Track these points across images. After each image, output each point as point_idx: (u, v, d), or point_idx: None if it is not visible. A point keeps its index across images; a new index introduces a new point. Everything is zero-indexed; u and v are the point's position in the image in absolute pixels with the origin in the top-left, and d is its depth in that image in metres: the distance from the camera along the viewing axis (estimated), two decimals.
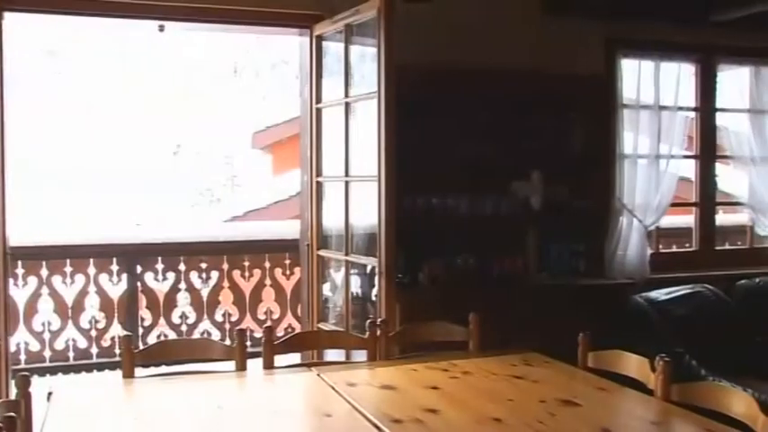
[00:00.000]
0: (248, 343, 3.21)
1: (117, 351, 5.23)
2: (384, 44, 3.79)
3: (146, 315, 5.56)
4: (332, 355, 4.02)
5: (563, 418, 2.44)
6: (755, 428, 2.33)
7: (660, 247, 5.59)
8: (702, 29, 5.31)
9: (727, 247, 5.99)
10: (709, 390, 2.68)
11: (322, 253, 4.48)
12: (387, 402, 2.70)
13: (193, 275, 5.69)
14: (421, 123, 4.46)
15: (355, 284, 4.33)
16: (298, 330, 5.27)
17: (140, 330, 5.50)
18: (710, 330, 4.76)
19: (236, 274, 5.83)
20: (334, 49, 4.39)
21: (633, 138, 5.18)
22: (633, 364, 2.90)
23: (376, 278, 3.95)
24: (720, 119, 5.63)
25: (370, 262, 4.01)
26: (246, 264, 5.85)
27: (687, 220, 5.76)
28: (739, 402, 2.45)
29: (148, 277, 5.57)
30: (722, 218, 5.84)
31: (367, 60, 3.99)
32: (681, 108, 5.40)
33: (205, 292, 5.72)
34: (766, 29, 5.43)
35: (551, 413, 2.48)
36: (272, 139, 12.64)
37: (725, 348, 4.73)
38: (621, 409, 2.74)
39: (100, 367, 5.36)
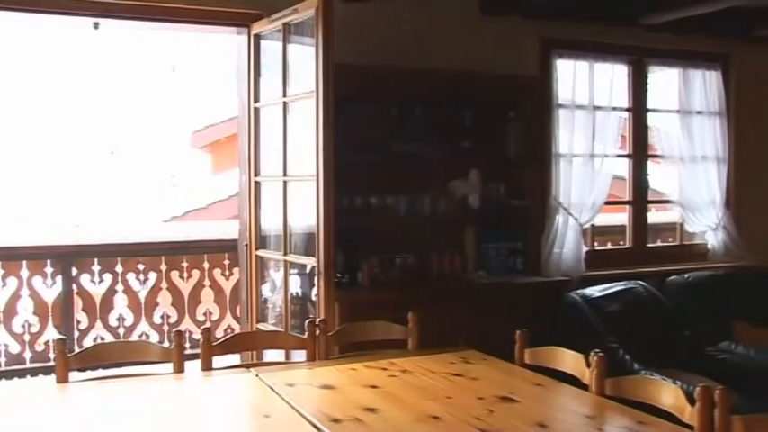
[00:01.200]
0: (187, 344, 3.18)
1: (51, 355, 5.11)
2: (322, 43, 3.79)
3: (82, 318, 5.43)
4: (272, 355, 4.00)
5: (500, 415, 2.47)
6: (683, 419, 2.40)
7: (595, 244, 5.71)
8: (634, 31, 5.44)
9: (659, 244, 6.13)
10: (640, 383, 2.74)
11: (260, 253, 4.46)
12: (326, 402, 2.71)
13: (131, 277, 5.59)
14: (359, 123, 4.46)
15: (295, 284, 4.32)
16: (237, 331, 5.23)
17: (76, 334, 5.38)
18: (643, 325, 4.88)
19: (175, 275, 5.74)
20: (272, 48, 4.36)
21: (569, 137, 5.27)
22: (569, 359, 2.97)
23: (315, 278, 3.94)
24: (652, 119, 5.77)
25: (309, 261, 4.00)
26: (185, 264, 5.77)
27: (621, 217, 5.89)
28: (668, 394, 2.53)
29: (84, 279, 5.45)
30: (654, 215, 5.98)
31: (305, 60, 3.98)
32: (614, 108, 5.52)
33: (143, 294, 5.62)
34: (693, 32, 5.61)
35: (489, 410, 2.51)
36: (210, 139, 12.52)
37: (657, 342, 4.86)
38: (557, 404, 2.79)
39: (34, 372, 5.22)
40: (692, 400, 2.38)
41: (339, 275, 4.21)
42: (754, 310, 5.43)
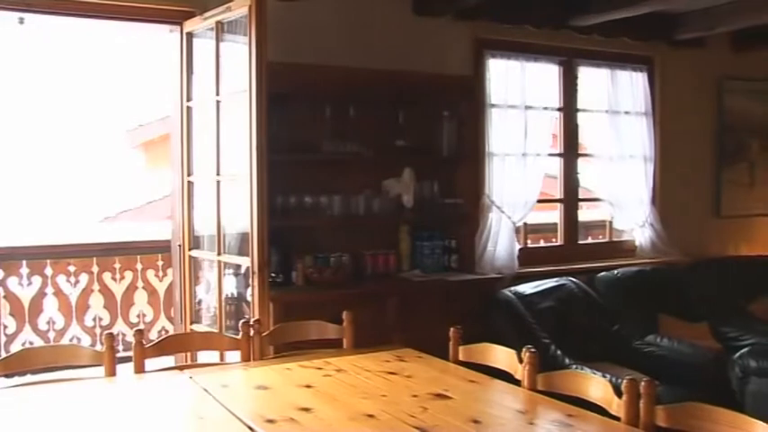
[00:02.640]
0: (120, 347, 3.13)
1: None
2: (255, 42, 3.77)
3: (9, 322, 5.30)
4: (206, 357, 3.96)
5: (434, 412, 2.49)
6: (611, 410, 2.47)
7: (528, 242, 5.80)
8: (564, 33, 5.55)
9: (589, 241, 6.27)
10: (570, 377, 2.80)
11: (194, 254, 4.41)
12: (260, 403, 2.70)
13: (61, 279, 5.48)
14: (293, 122, 4.46)
15: (229, 285, 4.28)
16: (172, 333, 5.16)
17: (3, 339, 5.25)
18: (574, 320, 4.98)
19: (107, 276, 5.65)
20: (205, 46, 4.31)
21: (501, 136, 5.34)
22: (502, 356, 3.02)
23: (249, 278, 3.92)
24: (582, 118, 5.89)
25: (243, 262, 3.98)
26: (118, 266, 5.68)
27: (553, 215, 6.00)
28: (597, 388, 2.59)
29: (12, 282, 5.32)
30: (585, 213, 6.10)
31: (238, 58, 3.94)
32: (546, 108, 5.62)
33: (74, 297, 5.52)
34: (620, 35, 5.75)
35: (423, 407, 2.53)
36: (143, 138, 12.31)
37: (587, 337, 4.97)
38: (491, 400, 2.83)
39: None
40: (619, 393, 2.45)
41: (273, 275, 4.19)
42: (678, 304, 5.61)
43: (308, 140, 4.53)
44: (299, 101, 4.49)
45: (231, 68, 4.07)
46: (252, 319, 3.39)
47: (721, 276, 6.02)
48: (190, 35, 4.39)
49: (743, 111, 6.74)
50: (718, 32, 5.98)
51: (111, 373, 2.95)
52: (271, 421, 2.39)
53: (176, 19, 4.40)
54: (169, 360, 3.82)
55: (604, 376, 3.64)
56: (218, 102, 4.12)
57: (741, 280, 6.11)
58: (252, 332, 3.26)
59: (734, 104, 6.68)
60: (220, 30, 4.08)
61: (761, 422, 2.12)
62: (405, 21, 5.01)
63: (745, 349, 3.39)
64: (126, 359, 3.10)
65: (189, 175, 4.43)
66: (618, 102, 5.93)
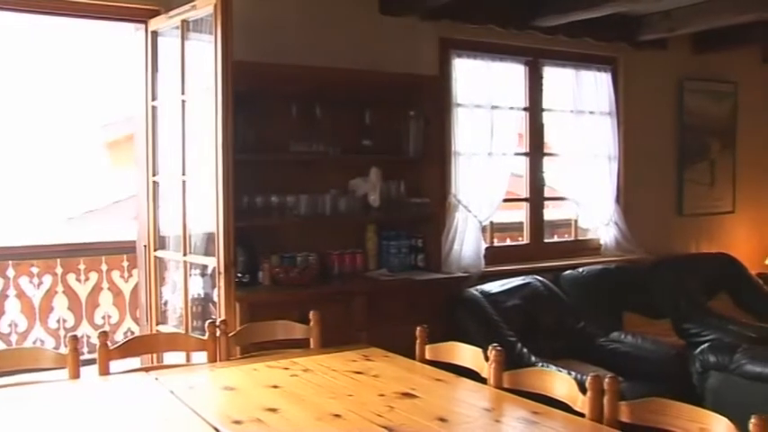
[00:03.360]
0: (85, 350, 3.09)
1: None
2: (221, 41, 3.75)
3: None
4: (172, 358, 3.93)
5: (401, 411, 2.50)
6: (575, 407, 2.50)
7: (494, 241, 5.84)
8: (529, 33, 5.60)
9: (555, 239, 6.32)
10: (536, 375, 2.82)
11: (160, 254, 4.38)
12: (227, 403, 2.69)
13: (24, 281, 5.41)
14: (259, 122, 4.44)
15: (196, 285, 4.25)
16: (138, 334, 5.12)
17: None
18: (540, 318, 5.03)
19: (72, 278, 5.59)
20: (170, 44, 4.28)
21: (467, 136, 5.37)
22: (468, 354, 3.04)
23: (216, 278, 3.90)
24: (547, 118, 5.94)
25: (210, 262, 3.96)
26: (82, 267, 5.63)
27: (519, 214, 6.04)
28: (562, 385, 2.62)
29: None
30: (550, 212, 6.15)
31: (204, 57, 3.92)
32: (511, 107, 5.66)
33: (37, 298, 5.45)
34: (584, 36, 5.82)
35: (390, 406, 2.54)
36: (109, 137, 12.18)
37: (553, 335, 5.02)
38: (457, 399, 2.84)
39: None
40: (584, 390, 2.48)
41: (240, 275, 4.18)
42: (641, 301, 5.69)
43: (274, 140, 4.52)
44: (266, 100, 4.48)
45: (197, 67, 4.04)
46: (218, 320, 3.38)
47: (683, 274, 6.12)
48: (155, 33, 4.35)
49: (703, 111, 6.86)
50: (678, 34, 6.08)
51: (75, 375, 2.92)
52: (237, 422, 2.39)
53: (141, 17, 4.36)
54: (135, 362, 3.79)
55: (570, 373, 3.68)
56: (183, 101, 4.09)
57: (702, 277, 6.22)
58: (218, 333, 3.25)
59: (694, 105, 6.80)
60: (185, 28, 4.05)
61: (718, 415, 2.16)
62: (371, 20, 5.01)
63: (705, 345, 3.44)
64: (91, 362, 3.08)
65: (154, 174, 4.39)
66: (582, 102, 6.00)
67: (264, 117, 4.50)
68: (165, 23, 4.23)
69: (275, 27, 4.62)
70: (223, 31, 3.74)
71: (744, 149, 7.20)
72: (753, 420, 1.99)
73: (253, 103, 4.35)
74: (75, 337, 3.01)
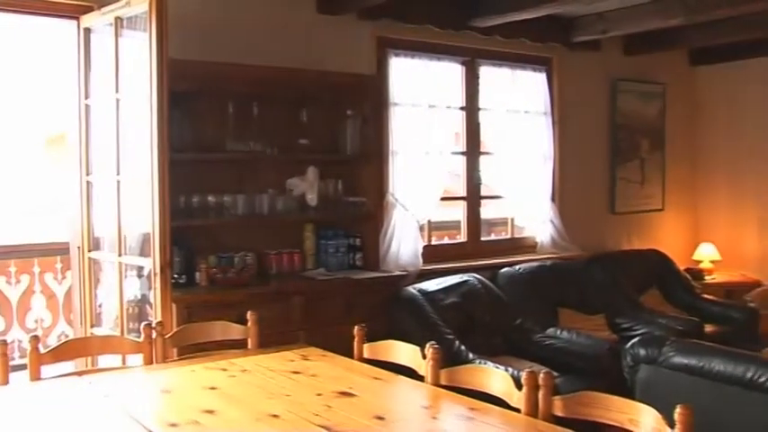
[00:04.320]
0: (16, 354, 3.01)
1: None
2: (156, 39, 3.70)
3: None
4: (108, 361, 3.86)
5: (339, 410, 2.51)
6: (511, 403, 2.54)
7: (432, 239, 5.89)
8: (466, 33, 5.66)
9: (492, 237, 6.40)
10: (473, 372, 2.85)
11: (94, 255, 4.30)
12: (163, 406, 2.66)
13: None
14: (195, 121, 4.40)
15: (132, 287, 4.19)
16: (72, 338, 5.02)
17: None
18: (478, 316, 5.09)
19: (2, 280, 5.45)
20: (104, 42, 4.20)
21: (405, 135, 5.40)
22: (406, 352, 3.06)
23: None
24: (484, 117, 6.00)
25: (145, 263, 3.90)
26: (13, 269, 5.50)
27: (457, 213, 6.09)
28: (498, 381, 2.66)
29: None
30: (487, 210, 6.22)
31: (139, 55, 3.86)
32: (449, 107, 5.72)
33: None
34: (520, 36, 5.91)
35: (328, 405, 2.55)
36: (41, 136, 11.87)
37: (490, 332, 5.09)
38: (395, 397, 2.87)
39: None
40: (519, 385, 2.52)
41: (176, 276, 4.14)
42: (576, 297, 5.81)
43: (211, 139, 4.48)
44: (202, 99, 4.44)
45: (132, 65, 3.98)
46: (154, 322, 3.34)
47: (616, 270, 6.27)
48: (87, 30, 4.27)
49: (634, 111, 7.04)
50: (611, 36, 6.23)
51: (4, 381, 2.84)
52: (174, 425, 2.36)
53: (73, 13, 4.27)
54: (68, 366, 3.71)
55: (506, 370, 3.75)
56: (117, 99, 4.02)
57: (634, 273, 6.39)
58: (154, 335, 3.21)
59: (626, 105, 6.97)
60: (119, 25, 3.98)
61: (647, 406, 2.23)
62: (308, 19, 5.01)
63: (636, 339, 3.53)
64: (21, 367, 3.00)
65: (88, 174, 4.31)
66: (518, 101, 6.09)
67: (201, 116, 4.46)
68: (98, 20, 4.15)
69: (212, 26, 4.57)
70: (158, 28, 3.70)
71: (672, 149, 7.41)
72: (678, 410, 2.05)
73: (189, 101, 4.30)
74: (4, 342, 2.92)
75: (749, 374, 3.00)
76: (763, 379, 2.96)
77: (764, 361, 3.10)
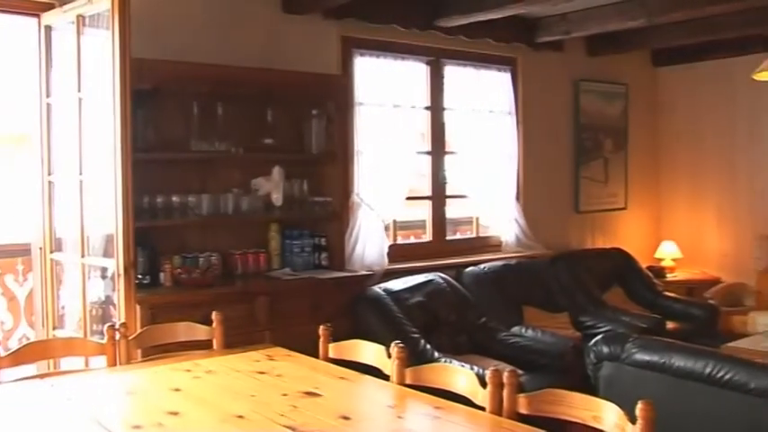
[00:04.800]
0: None
1: None
2: (118, 37, 3.66)
3: None
4: (71, 364, 3.82)
5: (304, 410, 2.51)
6: (476, 401, 2.56)
7: (398, 238, 5.90)
8: (431, 33, 5.68)
9: (457, 237, 6.43)
10: (438, 371, 2.86)
11: (56, 256, 4.25)
12: (127, 408, 2.64)
13: None
14: (159, 120, 4.37)
15: (95, 288, 4.14)
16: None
17: None
18: (443, 315, 5.12)
19: None
20: (65, 40, 4.15)
21: (370, 134, 5.40)
22: (371, 352, 3.06)
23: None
24: (449, 117, 6.03)
25: (109, 264, 3.86)
26: None
27: (422, 212, 6.11)
28: (463, 379, 2.67)
29: None
30: (453, 210, 6.24)
31: (101, 53, 3.82)
32: (414, 106, 5.73)
33: None
34: (484, 36, 5.96)
35: (293, 405, 2.54)
36: (4, 136, 11.69)
37: (456, 330, 5.12)
38: (360, 396, 2.87)
39: None
40: (484, 383, 2.53)
41: (140, 277, 4.10)
42: (541, 296, 5.87)
43: (175, 139, 4.45)
44: (166, 98, 4.40)
45: (94, 64, 3.94)
46: (118, 323, 3.30)
47: (580, 268, 6.34)
48: (49, 28, 4.22)
49: (597, 111, 7.12)
50: (574, 37, 6.30)
51: None
52: (138, 427, 2.34)
53: (33, 11, 4.22)
54: (30, 369, 3.66)
55: (472, 368, 3.78)
56: (80, 98, 3.97)
57: (597, 271, 6.47)
58: (118, 336, 3.18)
59: (589, 105, 7.05)
60: (81, 23, 3.94)
61: (610, 403, 2.26)
62: (273, 18, 4.99)
63: (599, 337, 3.57)
64: None
65: (50, 174, 4.26)
66: (483, 101, 6.12)
67: (165, 115, 4.43)
68: (60, 18, 4.10)
69: (177, 24, 4.54)
70: (121, 27, 3.66)
71: (634, 148, 7.51)
72: (639, 406, 2.08)
73: (153, 101, 4.27)
74: None
75: (708, 370, 3.05)
76: (721, 374, 3.01)
77: (723, 356, 3.16)
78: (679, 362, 3.17)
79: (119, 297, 3.74)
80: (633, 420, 2.10)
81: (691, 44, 6.75)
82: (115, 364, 3.15)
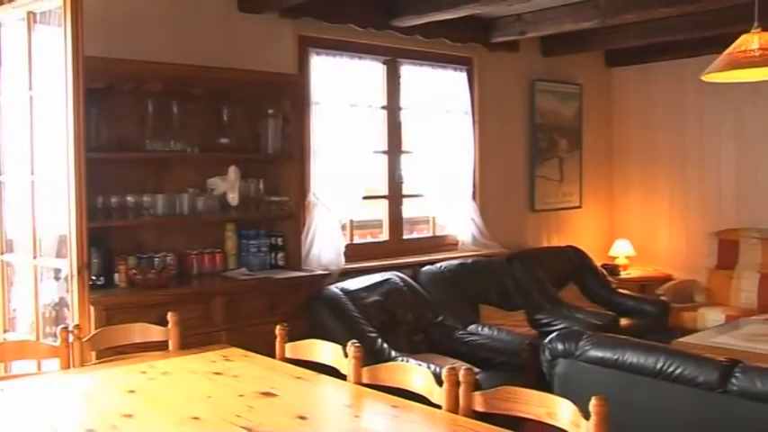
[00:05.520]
0: None
1: None
2: (71, 35, 3.60)
3: None
4: (23, 367, 3.75)
5: (261, 410, 2.50)
6: (432, 399, 2.57)
7: (355, 238, 5.90)
8: (387, 33, 5.70)
9: (414, 236, 6.45)
10: (394, 369, 2.88)
11: (6, 258, 4.17)
12: (80, 411, 2.60)
13: None
14: (113, 119, 4.32)
15: (49, 290, 4.08)
16: None
17: None
18: (400, 314, 5.13)
19: None
20: (16, 37, 4.07)
21: (327, 133, 5.40)
22: (328, 351, 3.06)
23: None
24: (405, 116, 6.04)
25: (62, 265, 3.81)
26: None
27: (379, 211, 6.12)
28: (420, 378, 2.69)
29: None
30: (409, 209, 6.25)
31: (53, 51, 3.76)
32: (370, 106, 5.74)
33: None
34: (441, 36, 5.99)
35: (250, 406, 2.53)
36: None
37: (413, 329, 5.14)
38: (317, 396, 2.87)
39: None
40: (441, 382, 2.55)
41: (94, 278, 4.05)
42: (497, 294, 5.92)
43: (130, 138, 4.41)
44: (120, 97, 4.35)
45: (46, 62, 3.87)
46: (71, 325, 3.26)
47: (535, 267, 6.41)
48: None
49: (552, 111, 7.21)
50: (529, 37, 6.37)
51: None
52: (91, 430, 2.32)
53: None
54: None
55: (428, 367, 3.80)
56: (31, 97, 3.91)
57: (552, 269, 6.55)
58: (71, 338, 3.14)
59: (545, 105, 7.13)
60: (32, 20, 3.87)
61: (564, 399, 2.29)
62: (229, 17, 4.96)
63: (553, 334, 3.62)
64: None
65: (0, 174, 4.18)
66: (440, 101, 6.16)
67: (119, 114, 4.38)
68: (10, 14, 4.03)
69: (131, 22, 4.49)
70: (73, 24, 3.60)
71: (589, 148, 7.62)
72: (593, 401, 2.12)
73: (107, 100, 4.22)
74: None
75: (659, 365, 3.11)
76: (671, 369, 3.07)
77: (673, 352, 3.22)
78: (631, 358, 3.22)
79: (72, 299, 3.69)
80: (587, 416, 2.14)
81: (643, 45, 6.87)
82: (69, 367, 3.10)
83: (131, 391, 2.71)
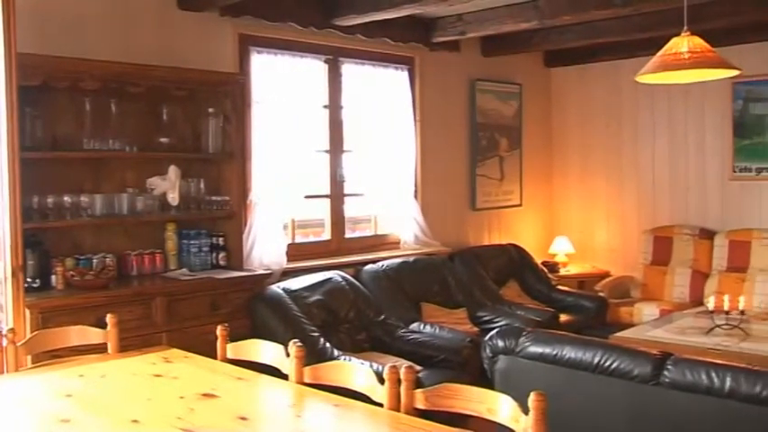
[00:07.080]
0: None
1: None
2: (3, 31, 3.53)
3: None
4: None
5: (201, 412, 2.49)
6: (374, 398, 2.59)
7: (297, 237, 5.88)
8: (329, 32, 5.70)
9: (356, 235, 6.46)
10: (336, 368, 2.89)
11: None
12: (15, 419, 2.54)
13: None
14: (49, 118, 4.23)
15: None
16: None
17: None
18: (342, 313, 5.14)
19: None
20: None
21: (268, 133, 5.37)
22: (269, 351, 3.06)
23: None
24: (347, 115, 6.05)
25: None
26: None
27: (320, 210, 6.10)
28: (361, 377, 2.70)
29: None
30: (351, 208, 6.25)
31: None
32: (312, 104, 5.73)
33: None
34: (382, 36, 6.02)
35: (190, 408, 2.52)
36: None
37: (355, 328, 5.15)
38: (259, 397, 2.86)
39: None
40: (382, 380, 2.57)
41: (30, 280, 3.97)
42: (439, 292, 5.97)
43: (66, 137, 4.32)
44: (56, 95, 4.26)
45: None
46: (5, 329, 3.19)
47: (477, 264, 6.48)
48: None
49: (493, 110, 7.29)
50: (469, 37, 6.43)
51: None
52: None
53: None
54: None
55: (370, 365, 3.81)
56: None
57: (493, 267, 6.64)
58: (5, 342, 3.07)
59: (485, 104, 7.21)
60: None
61: (504, 395, 2.33)
62: (168, 15, 4.90)
63: (494, 331, 3.67)
64: None
65: None
66: (381, 100, 6.18)
67: (55, 113, 4.29)
68: None
69: (67, 19, 4.40)
70: (5, 20, 3.54)
71: (528, 147, 7.73)
72: (532, 396, 2.16)
73: (43, 98, 4.14)
74: None
75: (596, 359, 3.18)
76: (608, 363, 3.15)
77: (610, 346, 3.30)
78: (570, 353, 3.29)
79: (6, 302, 3.61)
80: (526, 411, 2.18)
81: (581, 46, 7.00)
82: (2, 372, 3.04)
83: (69, 396, 2.66)
